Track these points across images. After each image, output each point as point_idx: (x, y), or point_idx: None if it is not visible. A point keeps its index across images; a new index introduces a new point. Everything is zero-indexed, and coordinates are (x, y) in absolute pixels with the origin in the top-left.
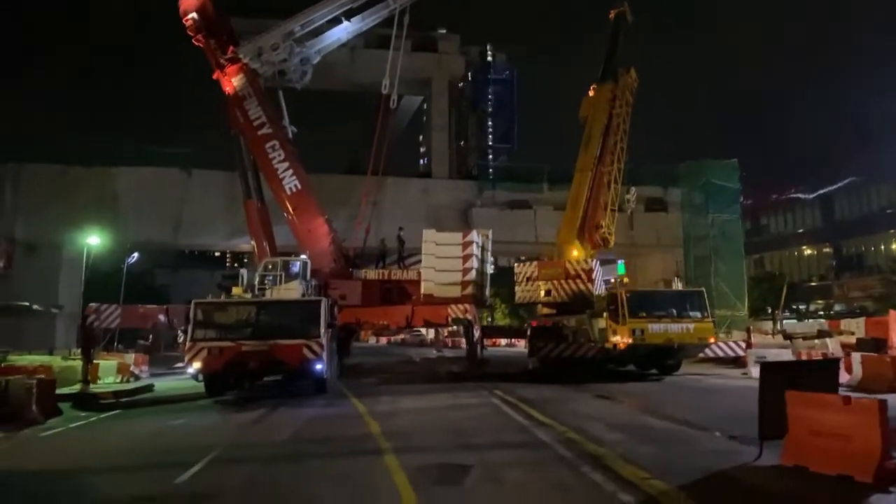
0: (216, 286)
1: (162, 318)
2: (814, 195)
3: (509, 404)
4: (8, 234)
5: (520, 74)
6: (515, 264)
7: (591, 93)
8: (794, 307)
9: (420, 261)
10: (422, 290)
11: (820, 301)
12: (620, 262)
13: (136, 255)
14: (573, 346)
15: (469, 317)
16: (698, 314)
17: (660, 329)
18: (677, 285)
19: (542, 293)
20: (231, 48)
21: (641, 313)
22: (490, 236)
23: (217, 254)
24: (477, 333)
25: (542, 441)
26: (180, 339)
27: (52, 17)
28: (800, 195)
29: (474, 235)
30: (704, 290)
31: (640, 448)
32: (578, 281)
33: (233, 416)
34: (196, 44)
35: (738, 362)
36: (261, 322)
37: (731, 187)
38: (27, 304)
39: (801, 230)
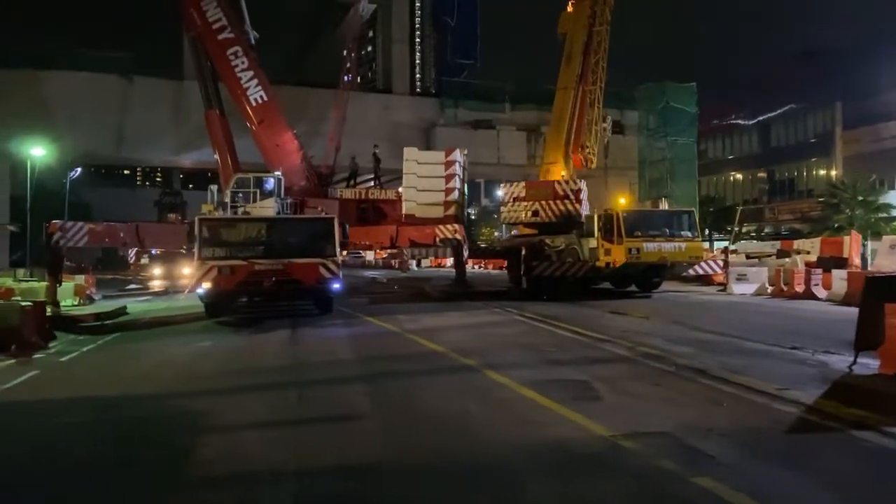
0: (153, 204)
1: (124, 236)
2: (753, 121)
3: (537, 321)
4: None
5: None
6: (502, 185)
7: (569, 8)
8: (728, 229)
9: (392, 180)
10: (403, 211)
11: (747, 224)
12: None
13: (78, 170)
14: (567, 265)
15: (459, 237)
16: (689, 233)
17: (654, 248)
18: (664, 206)
19: (530, 213)
20: None
21: (637, 233)
22: (467, 154)
23: (126, 171)
24: (466, 254)
25: (625, 356)
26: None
27: None
28: (740, 121)
29: (457, 154)
30: (695, 210)
31: (728, 360)
32: (567, 201)
33: (258, 337)
34: None
35: (704, 280)
36: (272, 240)
37: (689, 111)
38: None
39: (736, 156)
